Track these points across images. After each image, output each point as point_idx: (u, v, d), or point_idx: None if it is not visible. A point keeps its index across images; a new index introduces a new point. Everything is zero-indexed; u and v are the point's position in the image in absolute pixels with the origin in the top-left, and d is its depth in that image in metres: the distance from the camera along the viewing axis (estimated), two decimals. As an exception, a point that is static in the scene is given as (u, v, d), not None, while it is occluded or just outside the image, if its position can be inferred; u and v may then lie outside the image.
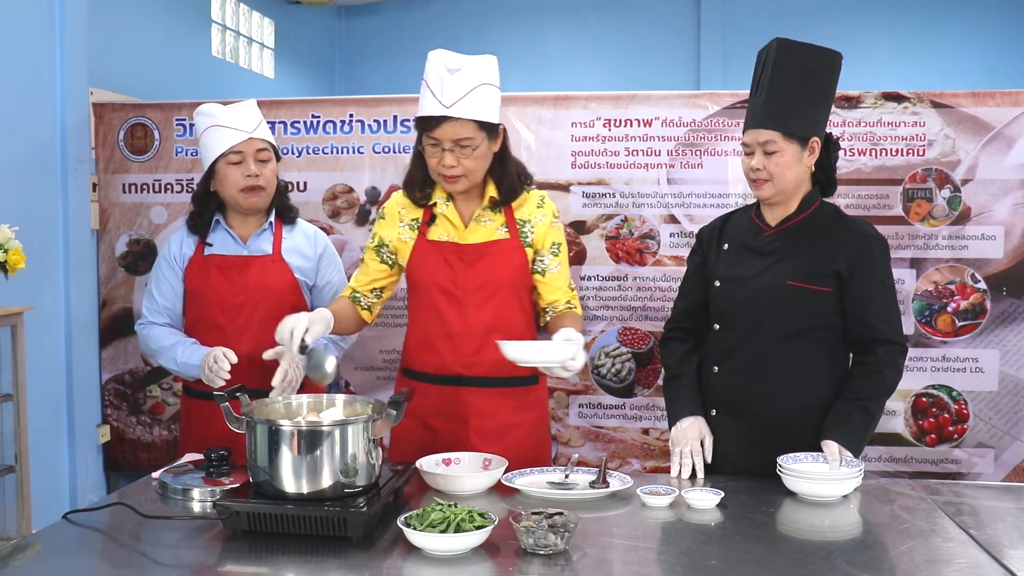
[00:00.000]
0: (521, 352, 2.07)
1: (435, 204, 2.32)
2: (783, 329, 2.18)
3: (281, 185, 2.66)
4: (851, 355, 2.25)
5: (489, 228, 2.31)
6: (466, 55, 2.23)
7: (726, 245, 2.30)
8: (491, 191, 2.31)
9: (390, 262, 2.37)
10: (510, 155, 2.34)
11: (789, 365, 2.18)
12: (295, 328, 2.05)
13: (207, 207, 2.59)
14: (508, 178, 2.31)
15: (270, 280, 2.56)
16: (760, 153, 2.16)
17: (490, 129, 2.23)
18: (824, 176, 2.24)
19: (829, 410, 2.15)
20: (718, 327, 2.28)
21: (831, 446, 2.07)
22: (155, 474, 2.15)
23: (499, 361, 2.27)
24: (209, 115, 2.55)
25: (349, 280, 2.50)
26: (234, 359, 2.36)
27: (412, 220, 2.34)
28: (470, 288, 2.28)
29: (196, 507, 1.96)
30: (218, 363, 2.35)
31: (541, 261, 2.36)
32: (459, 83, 2.16)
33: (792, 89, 2.13)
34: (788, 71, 2.13)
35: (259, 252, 2.58)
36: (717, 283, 2.27)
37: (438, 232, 2.32)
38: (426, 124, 2.20)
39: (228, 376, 2.31)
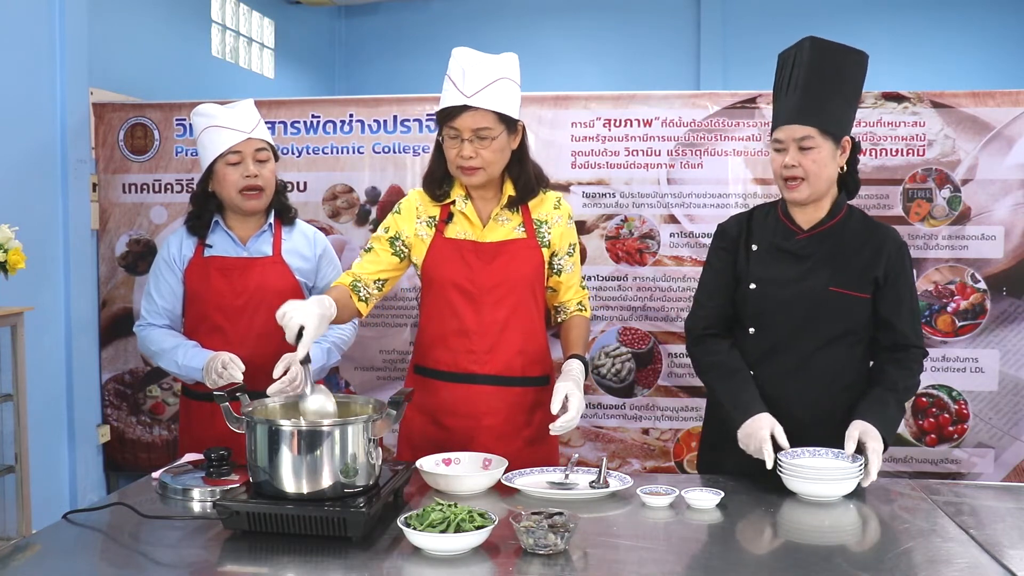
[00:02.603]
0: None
1: (453, 202, 2.34)
2: (824, 333, 2.18)
3: (280, 185, 2.65)
4: (875, 356, 2.25)
5: (507, 227, 2.34)
6: (488, 53, 2.26)
7: (755, 246, 2.26)
8: (509, 190, 2.34)
9: (401, 255, 2.37)
10: (528, 154, 2.36)
11: (829, 369, 2.19)
12: (305, 330, 1.95)
13: (206, 208, 2.59)
14: (525, 176, 2.33)
15: (271, 282, 2.56)
16: (795, 149, 2.13)
17: (509, 124, 2.25)
18: (850, 178, 2.23)
19: (864, 396, 2.15)
20: (753, 331, 2.24)
21: (861, 426, 2.05)
22: (155, 474, 2.15)
23: (512, 359, 2.29)
24: (207, 115, 2.54)
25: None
26: (242, 367, 2.34)
27: (430, 217, 2.35)
28: (487, 286, 2.30)
29: (196, 507, 1.96)
30: (227, 369, 2.34)
31: (558, 262, 2.39)
32: (480, 75, 2.20)
33: (826, 87, 2.12)
34: (822, 69, 2.12)
35: (259, 254, 2.58)
36: (753, 285, 2.23)
37: (455, 230, 2.33)
38: (447, 115, 2.23)
39: (240, 382, 2.27)
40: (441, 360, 2.34)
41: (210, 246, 2.57)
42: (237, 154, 2.50)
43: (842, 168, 2.19)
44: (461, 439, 2.29)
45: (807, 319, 2.18)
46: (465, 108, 2.19)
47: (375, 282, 2.35)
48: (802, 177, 2.14)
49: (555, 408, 2.17)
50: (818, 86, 2.12)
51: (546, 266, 2.38)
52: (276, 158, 2.62)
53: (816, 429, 2.16)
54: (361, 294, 2.32)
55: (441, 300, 2.33)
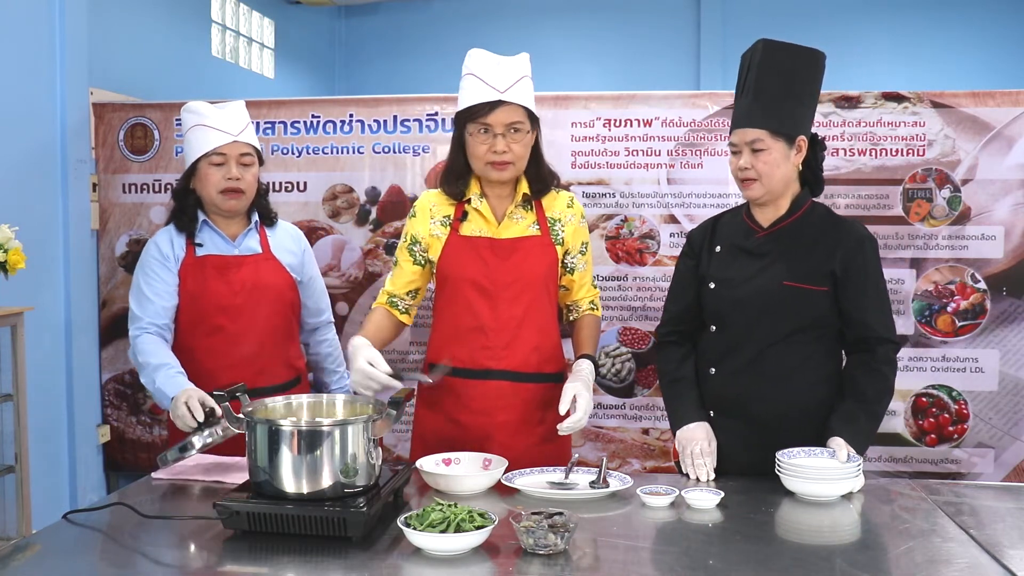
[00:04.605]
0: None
1: (468, 200, 2.35)
2: (779, 329, 2.19)
3: (262, 188, 2.65)
4: (846, 353, 2.26)
5: (522, 225, 2.36)
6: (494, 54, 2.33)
7: (718, 247, 2.30)
8: (523, 188, 2.37)
9: (423, 261, 2.40)
10: (542, 152, 2.41)
11: (786, 364, 2.19)
12: (374, 377, 2.22)
13: (187, 203, 2.58)
14: (540, 173, 2.38)
15: (266, 278, 2.57)
16: (747, 152, 2.18)
17: (534, 120, 2.32)
18: (812, 176, 2.26)
19: (835, 410, 2.16)
20: (714, 329, 2.28)
21: (839, 441, 2.08)
22: (155, 474, 2.15)
23: (528, 355, 2.31)
24: (196, 113, 2.55)
25: (327, 285, 2.57)
26: (201, 417, 2.17)
27: (444, 217, 2.37)
28: (503, 283, 2.31)
29: (196, 507, 1.96)
30: (192, 412, 2.18)
31: (571, 260, 2.42)
32: (509, 71, 2.27)
33: (777, 89, 2.15)
34: (773, 71, 2.16)
35: (249, 251, 2.59)
36: (712, 285, 2.27)
37: (471, 227, 2.35)
38: (477, 112, 2.26)
39: (196, 425, 2.17)
40: (456, 357, 2.34)
41: (200, 244, 2.56)
42: (221, 156, 2.51)
43: (798, 167, 2.22)
44: (476, 436, 2.29)
45: (763, 315, 2.20)
46: (499, 103, 2.24)
47: (407, 293, 2.43)
48: (755, 178, 2.18)
49: (563, 409, 2.20)
50: (769, 88, 2.15)
51: (559, 264, 2.39)
52: (261, 162, 2.62)
53: (777, 425, 2.18)
54: (400, 307, 2.43)
55: (457, 297, 2.34)
